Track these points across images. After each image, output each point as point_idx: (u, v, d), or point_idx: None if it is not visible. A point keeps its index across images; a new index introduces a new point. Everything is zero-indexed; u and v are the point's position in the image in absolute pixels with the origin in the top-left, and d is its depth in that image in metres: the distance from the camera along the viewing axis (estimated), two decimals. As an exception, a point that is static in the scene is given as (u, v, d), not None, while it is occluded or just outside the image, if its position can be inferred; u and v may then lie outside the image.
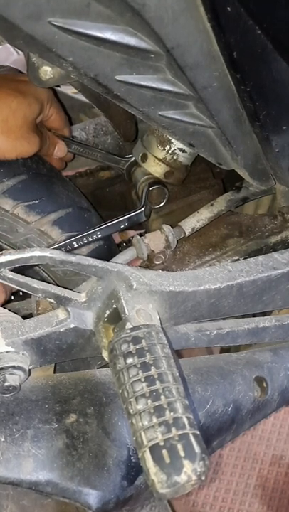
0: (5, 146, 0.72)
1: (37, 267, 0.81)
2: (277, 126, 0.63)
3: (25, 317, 0.58)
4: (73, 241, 0.78)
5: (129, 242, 1.01)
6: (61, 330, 0.55)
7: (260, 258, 0.63)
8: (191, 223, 0.84)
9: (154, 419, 0.44)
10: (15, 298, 0.95)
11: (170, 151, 0.83)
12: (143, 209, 0.83)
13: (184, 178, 0.88)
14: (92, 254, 0.80)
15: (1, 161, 0.75)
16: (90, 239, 0.79)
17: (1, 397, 0.56)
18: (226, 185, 0.96)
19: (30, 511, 0.65)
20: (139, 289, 0.54)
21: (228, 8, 0.48)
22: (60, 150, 0.85)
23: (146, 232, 0.86)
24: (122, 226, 0.81)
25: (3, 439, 0.54)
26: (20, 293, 0.95)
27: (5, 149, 0.72)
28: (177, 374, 0.48)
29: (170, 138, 0.82)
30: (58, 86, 0.94)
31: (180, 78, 0.55)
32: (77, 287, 0.58)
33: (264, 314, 0.72)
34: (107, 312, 0.55)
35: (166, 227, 0.81)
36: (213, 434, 0.65)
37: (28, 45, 0.50)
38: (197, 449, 0.42)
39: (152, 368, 0.47)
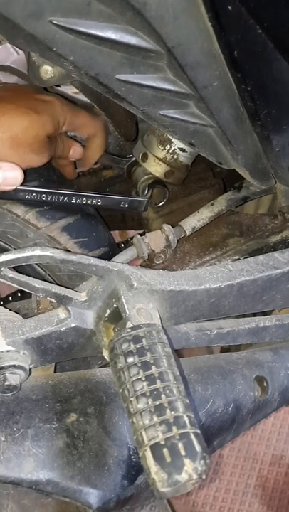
0: (14, 159, 0.71)
1: (43, 271, 0.82)
2: (277, 126, 0.63)
3: (25, 316, 0.58)
4: (72, 195, 0.78)
5: (129, 242, 1.01)
6: (62, 329, 0.55)
7: (261, 257, 0.63)
8: (192, 223, 0.84)
9: (155, 418, 0.44)
10: (13, 298, 0.96)
11: (170, 151, 0.83)
12: (147, 199, 0.84)
13: (184, 177, 0.88)
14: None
15: None
16: (89, 202, 0.79)
17: (1, 397, 0.56)
18: (226, 185, 0.96)
19: (31, 510, 0.65)
20: (139, 288, 0.54)
21: (229, 8, 0.48)
22: (75, 152, 0.84)
23: (146, 232, 0.86)
24: (121, 205, 0.82)
25: (3, 439, 0.54)
26: (19, 293, 0.96)
27: (14, 162, 0.72)
28: (178, 373, 0.48)
29: (170, 137, 0.82)
30: (59, 86, 0.94)
31: (181, 77, 0.55)
32: (78, 286, 0.58)
33: (264, 314, 0.72)
34: (108, 311, 0.55)
35: (167, 227, 0.81)
36: (214, 434, 0.65)
37: (28, 44, 0.50)
38: (198, 447, 0.42)
39: (153, 367, 0.47)
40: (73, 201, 0.77)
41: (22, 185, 0.74)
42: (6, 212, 0.77)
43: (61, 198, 0.77)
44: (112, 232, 0.92)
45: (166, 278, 0.57)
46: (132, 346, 0.48)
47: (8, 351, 0.53)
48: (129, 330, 0.50)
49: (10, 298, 0.96)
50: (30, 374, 0.56)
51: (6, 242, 0.80)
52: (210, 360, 0.69)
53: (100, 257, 0.81)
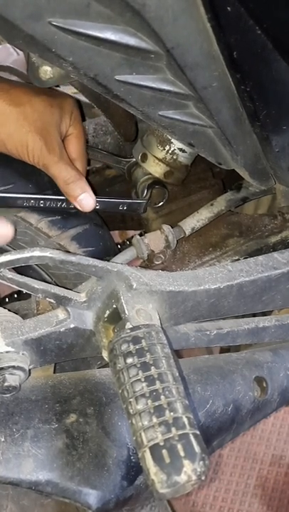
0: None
1: (49, 278, 0.84)
2: (277, 126, 0.63)
3: (24, 317, 0.58)
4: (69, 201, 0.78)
5: (128, 242, 1.01)
6: (61, 330, 0.55)
7: (260, 258, 0.63)
8: (191, 223, 0.84)
9: (154, 419, 0.44)
10: (10, 300, 0.96)
11: (170, 151, 0.83)
12: (145, 201, 0.84)
13: (183, 178, 0.88)
14: None
15: (29, 179, 0.78)
16: None
17: (0, 397, 0.56)
18: (226, 185, 0.96)
19: (30, 511, 0.65)
20: (139, 288, 0.54)
21: (229, 8, 0.48)
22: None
23: (146, 232, 0.86)
24: (120, 207, 0.83)
25: (3, 439, 0.54)
26: (15, 295, 0.96)
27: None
28: (177, 374, 0.48)
29: (170, 138, 0.82)
30: (58, 86, 0.94)
31: (180, 78, 0.55)
32: (77, 287, 0.58)
33: (264, 314, 0.72)
34: (107, 312, 0.55)
35: (166, 227, 0.81)
36: (213, 434, 0.65)
37: (28, 45, 0.50)
38: (197, 448, 0.42)
39: (152, 367, 0.47)
40: (72, 206, 0.77)
41: (20, 193, 0.75)
42: (20, 220, 0.79)
43: (59, 204, 0.77)
44: (111, 232, 0.93)
45: (165, 279, 0.57)
46: (132, 347, 0.48)
47: (7, 352, 0.53)
48: (128, 331, 0.50)
49: (7, 299, 0.96)
50: (29, 375, 0.56)
51: (16, 249, 0.82)
52: (209, 361, 0.69)
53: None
